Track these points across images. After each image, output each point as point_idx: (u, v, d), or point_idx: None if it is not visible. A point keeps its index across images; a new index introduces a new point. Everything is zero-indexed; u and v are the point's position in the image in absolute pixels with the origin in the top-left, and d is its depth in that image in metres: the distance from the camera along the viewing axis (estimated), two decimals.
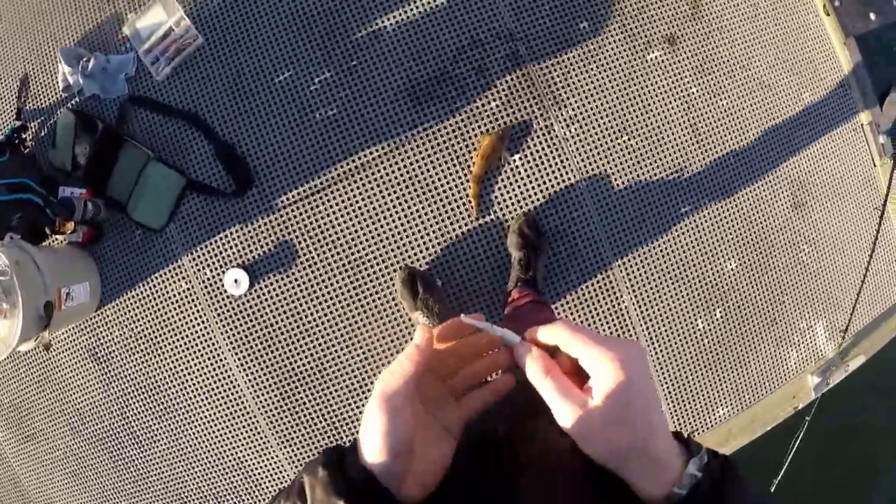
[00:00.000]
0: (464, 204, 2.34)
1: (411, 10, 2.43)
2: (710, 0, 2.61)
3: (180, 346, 2.50)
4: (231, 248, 2.41)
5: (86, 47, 2.58)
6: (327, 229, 2.38)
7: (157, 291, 2.48)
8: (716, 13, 2.60)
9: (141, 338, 2.53)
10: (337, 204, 2.37)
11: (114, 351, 2.55)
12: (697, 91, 2.49)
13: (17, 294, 1.98)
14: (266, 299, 2.41)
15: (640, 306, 2.46)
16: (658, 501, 0.50)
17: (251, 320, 2.43)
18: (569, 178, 2.36)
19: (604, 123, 2.39)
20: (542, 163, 2.35)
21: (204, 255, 2.42)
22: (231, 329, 2.44)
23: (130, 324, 2.53)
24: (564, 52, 2.41)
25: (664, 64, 2.48)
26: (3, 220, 2.23)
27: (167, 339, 2.51)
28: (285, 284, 2.40)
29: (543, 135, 2.35)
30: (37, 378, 2.67)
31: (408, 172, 2.35)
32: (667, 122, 2.43)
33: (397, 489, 0.52)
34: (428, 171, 2.35)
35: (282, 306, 2.42)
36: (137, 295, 2.50)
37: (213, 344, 2.47)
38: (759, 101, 2.55)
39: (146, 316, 2.51)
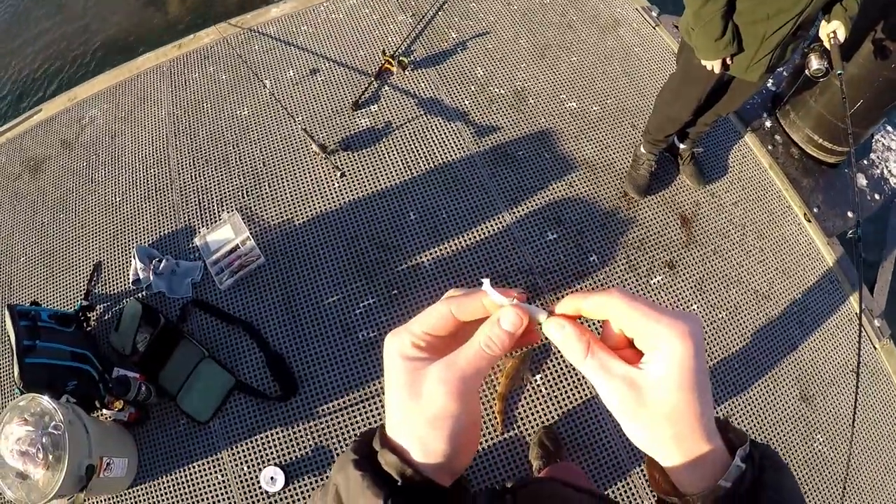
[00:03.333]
0: (490, 419, 2.57)
1: (444, 247, 2.87)
2: (701, 228, 3.03)
3: None
4: (270, 447, 2.58)
5: (159, 249, 2.98)
6: None
7: (192, 480, 2.59)
8: (707, 238, 3.01)
9: None
10: (374, 417, 2.60)
11: None
12: (698, 307, 2.81)
13: (64, 450, 2.10)
14: (300, 499, 2.54)
15: None
16: (700, 494, 0.47)
17: None
18: (586, 394, 2.61)
19: None
20: (561, 381, 2.61)
21: (243, 451, 2.59)
22: None
23: None
24: (577, 282, 2.78)
25: (666, 286, 2.85)
26: (62, 382, 2.42)
27: None
28: (320, 486, 2.59)
29: (562, 357, 2.63)
30: None
31: None
32: None
33: (439, 479, 0.49)
34: None
35: None
36: (172, 480, 2.60)
37: None
38: (757, 308, 2.87)
39: (178, 502, 2.59)
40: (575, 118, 3.35)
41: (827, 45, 2.25)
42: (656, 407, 0.46)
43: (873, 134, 3.83)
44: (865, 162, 3.75)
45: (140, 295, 2.88)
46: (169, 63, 3.76)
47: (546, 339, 0.51)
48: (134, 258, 2.91)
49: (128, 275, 2.94)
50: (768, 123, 3.65)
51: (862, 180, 3.65)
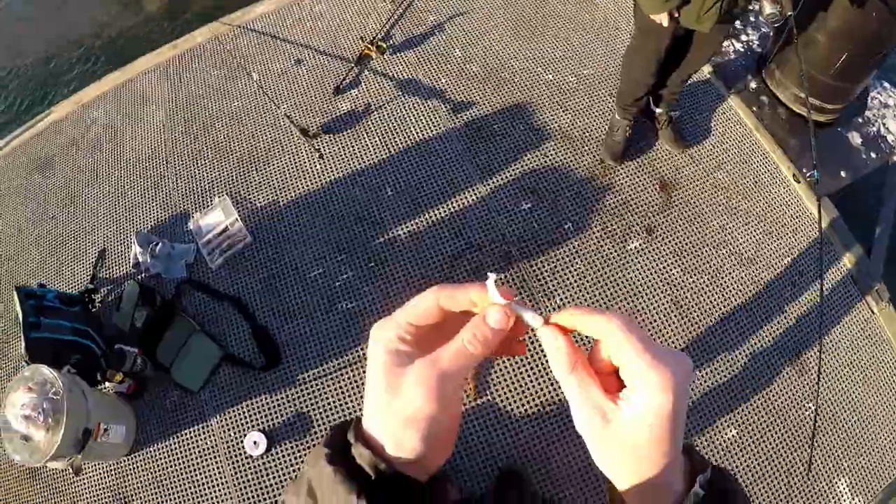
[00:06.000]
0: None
1: (420, 220, 3.01)
2: (681, 192, 3.08)
3: (198, 498, 2.70)
4: (255, 414, 2.74)
5: (157, 234, 3.21)
6: (341, 405, 2.72)
7: (183, 446, 2.77)
8: (688, 202, 3.05)
9: (163, 486, 2.75)
10: (353, 383, 2.72)
11: (136, 494, 2.77)
12: (677, 271, 2.86)
13: (63, 414, 2.33)
14: (281, 462, 2.67)
15: None
16: None
17: (265, 480, 2.67)
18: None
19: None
20: (536, 349, 2.62)
21: (230, 418, 2.76)
22: (245, 486, 2.66)
23: (155, 471, 2.77)
24: (551, 250, 2.87)
25: (644, 251, 2.90)
26: (66, 356, 2.69)
27: (187, 489, 2.72)
28: (301, 450, 2.69)
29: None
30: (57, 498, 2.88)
31: None
32: (652, 303, 2.79)
33: (414, 474, 0.49)
34: None
35: (295, 471, 2.68)
36: (166, 447, 2.78)
37: (228, 499, 2.69)
38: (743, 271, 2.90)
39: (170, 466, 2.76)
40: (551, 89, 3.44)
41: None
42: (622, 440, 0.47)
43: (868, 91, 3.81)
44: (860, 120, 3.71)
45: (139, 277, 3.12)
46: (165, 63, 4.00)
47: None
48: (134, 244, 3.14)
49: (129, 259, 3.19)
50: (753, 84, 3.66)
51: (857, 139, 3.63)
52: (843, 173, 3.45)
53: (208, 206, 3.23)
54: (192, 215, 3.21)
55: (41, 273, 3.33)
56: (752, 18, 3.86)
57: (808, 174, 3.14)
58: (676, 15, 2.35)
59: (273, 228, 3.11)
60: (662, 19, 2.35)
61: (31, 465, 2.39)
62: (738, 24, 3.83)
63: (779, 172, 3.21)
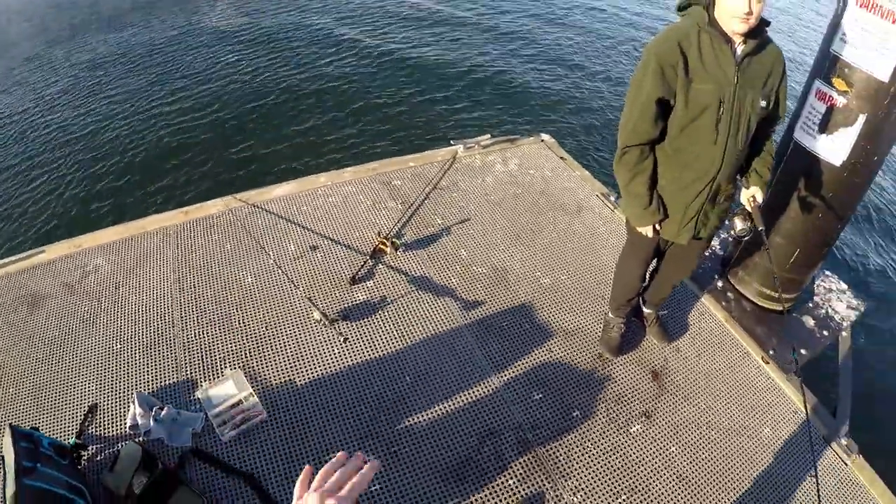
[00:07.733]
0: None
1: (438, 408, 3.23)
2: (670, 379, 3.48)
3: None
4: None
5: (159, 398, 3.15)
6: None
7: None
8: (677, 388, 3.45)
9: None
10: None
11: None
12: (676, 448, 3.16)
13: None
14: None
15: None
16: None
17: None
18: None
19: (605, 487, 2.97)
20: None
21: None
22: None
23: None
24: (563, 436, 3.14)
25: (644, 433, 3.21)
26: None
27: None
28: None
29: None
30: None
31: None
32: (657, 477, 3.04)
33: None
34: None
35: None
36: None
37: None
38: (730, 443, 3.23)
39: None
40: (549, 292, 3.91)
41: (748, 207, 2.74)
42: None
43: (814, 279, 4.46)
44: (811, 304, 4.35)
45: (138, 440, 2.94)
46: (175, 227, 4.21)
47: None
48: (133, 404, 3.02)
49: (124, 420, 3.03)
50: (720, 284, 4.27)
51: (810, 321, 4.20)
52: (803, 351, 3.95)
53: (218, 377, 3.28)
54: (200, 384, 3.23)
55: (19, 416, 3.12)
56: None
57: (771, 354, 3.66)
58: (659, 228, 2.84)
59: (291, 407, 3.17)
60: (647, 231, 2.84)
61: None
62: None
63: (749, 357, 3.68)
